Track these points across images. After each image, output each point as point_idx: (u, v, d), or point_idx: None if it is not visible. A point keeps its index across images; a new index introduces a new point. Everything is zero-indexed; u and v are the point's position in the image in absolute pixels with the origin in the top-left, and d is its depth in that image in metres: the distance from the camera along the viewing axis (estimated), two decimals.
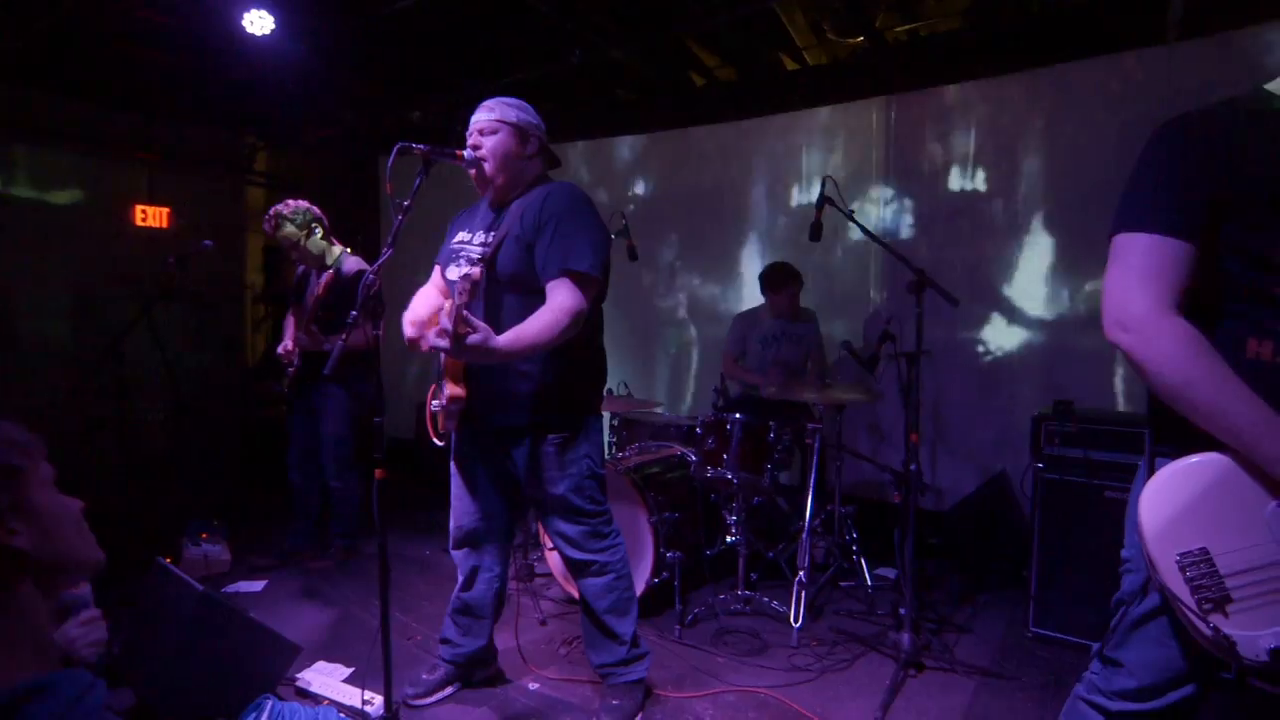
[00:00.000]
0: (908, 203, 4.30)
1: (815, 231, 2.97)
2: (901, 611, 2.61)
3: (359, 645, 2.61)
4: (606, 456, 3.24)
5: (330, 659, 2.56)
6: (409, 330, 2.08)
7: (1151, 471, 1.23)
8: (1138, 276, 1.19)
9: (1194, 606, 1.16)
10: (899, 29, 4.56)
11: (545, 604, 3.05)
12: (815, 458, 3.01)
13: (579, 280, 1.90)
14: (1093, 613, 2.53)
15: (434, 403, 2.07)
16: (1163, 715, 1.27)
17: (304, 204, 3.40)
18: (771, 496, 3.27)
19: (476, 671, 2.39)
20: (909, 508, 2.56)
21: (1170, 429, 1.22)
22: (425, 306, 2.14)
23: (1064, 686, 2.43)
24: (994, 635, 2.84)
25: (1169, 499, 1.21)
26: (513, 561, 3.24)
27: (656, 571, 2.86)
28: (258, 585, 3.30)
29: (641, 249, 5.25)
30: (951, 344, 4.04)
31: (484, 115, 2.06)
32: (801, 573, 2.83)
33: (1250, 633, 1.13)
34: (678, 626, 2.79)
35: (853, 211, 2.80)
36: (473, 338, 1.64)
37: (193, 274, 3.80)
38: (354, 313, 1.85)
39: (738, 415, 2.96)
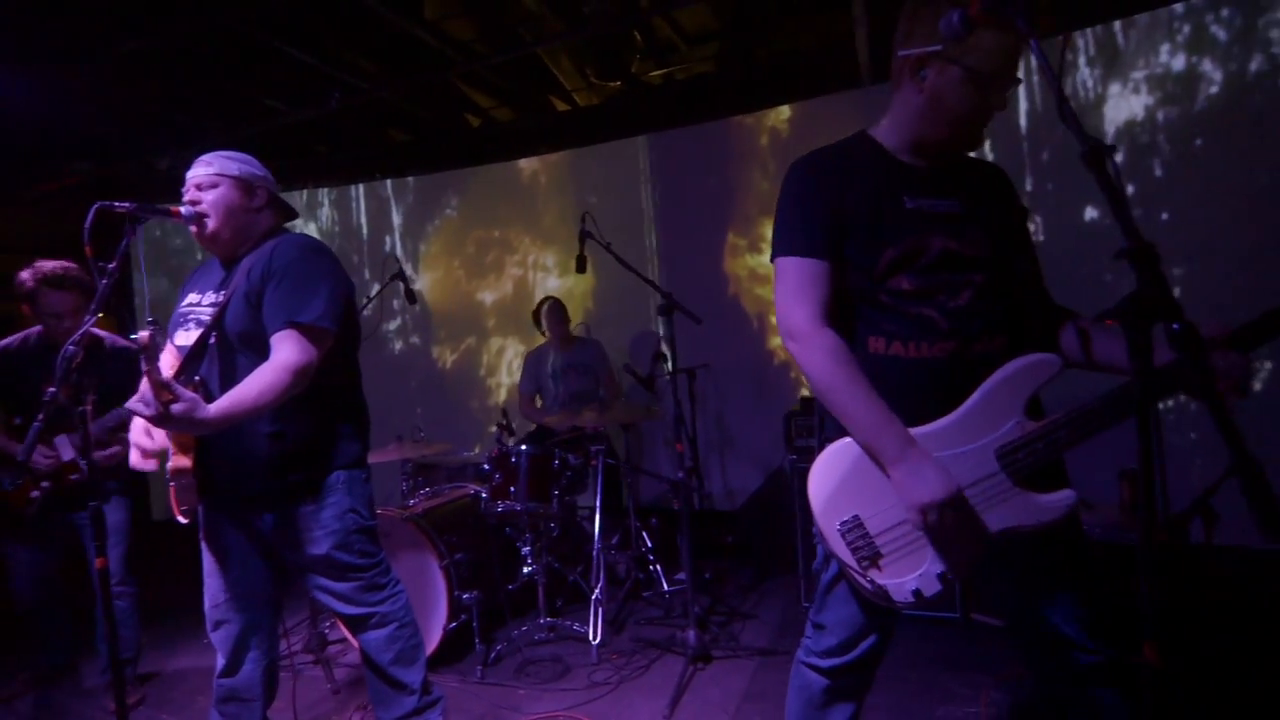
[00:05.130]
0: (677, 230, 4.66)
1: (580, 264, 3.14)
2: (695, 610, 2.80)
3: None
4: (397, 505, 3.16)
5: None
6: (133, 458, 1.89)
7: None
8: (793, 294, 1.41)
9: (855, 566, 1.38)
10: (654, 73, 4.96)
11: (340, 671, 2.90)
12: (600, 477, 3.15)
13: (307, 333, 1.87)
14: None
15: (170, 480, 1.93)
16: (858, 664, 1.50)
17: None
18: (566, 521, 3.37)
19: None
20: (684, 512, 2.77)
21: (831, 420, 1.46)
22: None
23: None
24: (774, 617, 3.13)
25: (827, 476, 1.45)
26: (302, 633, 3.07)
27: (454, 615, 2.83)
28: None
29: (430, 290, 5.21)
30: (730, 355, 4.41)
31: (201, 170, 1.98)
32: (597, 590, 2.94)
33: (898, 580, 1.37)
34: (479, 667, 2.77)
35: (610, 244, 3.00)
36: (176, 407, 1.55)
37: None
38: (52, 389, 1.70)
39: (523, 447, 3.03)
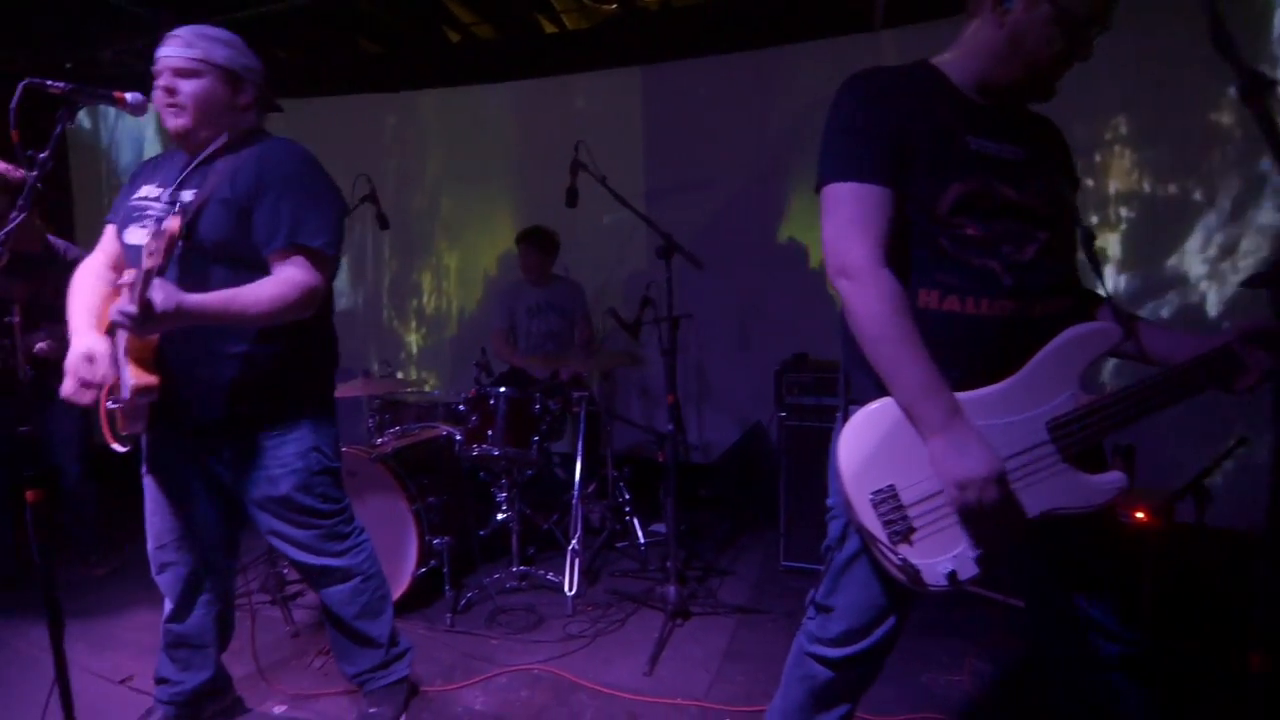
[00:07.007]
0: (668, 169, 4.42)
1: (571, 198, 2.93)
2: (668, 565, 2.71)
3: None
4: (365, 443, 2.98)
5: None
6: (68, 387, 1.57)
7: (846, 418, 1.32)
8: (851, 224, 1.22)
9: (886, 540, 1.25)
10: None
11: (300, 613, 2.75)
12: (582, 425, 3.01)
13: (314, 258, 1.66)
14: None
15: (109, 401, 1.71)
16: (871, 652, 1.38)
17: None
18: (543, 468, 3.23)
19: (206, 706, 2.08)
20: (671, 465, 2.65)
21: (864, 376, 1.31)
22: (85, 312, 1.70)
23: None
24: (751, 573, 3.07)
25: (861, 442, 1.30)
26: (259, 570, 2.91)
27: (424, 561, 2.70)
28: None
29: (403, 218, 4.89)
30: (713, 304, 4.24)
31: (179, 51, 1.66)
32: (574, 540, 2.84)
33: (931, 560, 1.24)
34: (449, 615, 2.66)
35: (605, 177, 2.78)
36: (157, 296, 1.38)
37: None
38: None
39: (502, 389, 2.86)
